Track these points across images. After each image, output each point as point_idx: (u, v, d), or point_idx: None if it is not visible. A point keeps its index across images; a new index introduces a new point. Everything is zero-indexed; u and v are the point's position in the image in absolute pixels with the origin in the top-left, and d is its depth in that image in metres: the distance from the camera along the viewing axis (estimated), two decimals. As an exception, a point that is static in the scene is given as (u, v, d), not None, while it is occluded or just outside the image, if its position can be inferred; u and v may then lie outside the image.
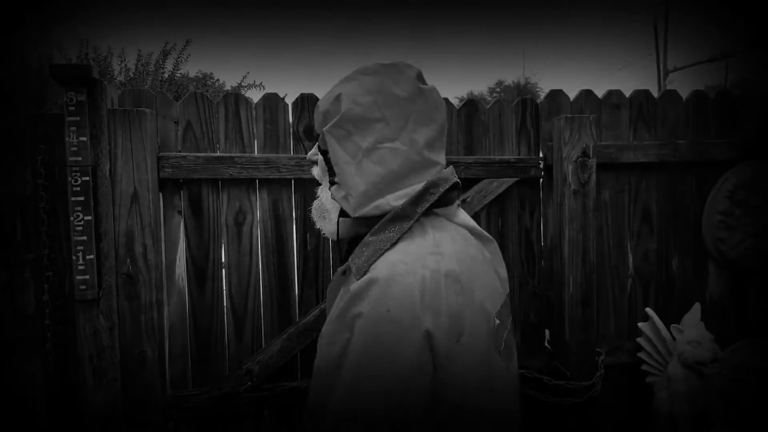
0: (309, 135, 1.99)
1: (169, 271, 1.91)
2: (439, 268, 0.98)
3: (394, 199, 1.06)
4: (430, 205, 1.07)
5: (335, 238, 1.16)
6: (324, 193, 1.18)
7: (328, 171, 1.13)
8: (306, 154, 1.94)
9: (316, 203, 1.22)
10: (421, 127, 1.08)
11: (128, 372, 1.80)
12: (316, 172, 1.22)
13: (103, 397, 1.76)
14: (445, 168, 1.15)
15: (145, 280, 1.80)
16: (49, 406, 1.79)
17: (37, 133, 1.76)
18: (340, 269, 1.14)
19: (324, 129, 1.07)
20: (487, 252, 1.15)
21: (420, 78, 1.12)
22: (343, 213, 1.13)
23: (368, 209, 1.07)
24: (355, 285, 0.98)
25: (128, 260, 1.78)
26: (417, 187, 1.08)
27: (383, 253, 1.01)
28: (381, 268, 0.98)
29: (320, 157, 1.16)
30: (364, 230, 1.11)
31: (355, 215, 1.08)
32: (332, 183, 1.12)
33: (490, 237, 1.19)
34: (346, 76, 1.11)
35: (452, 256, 1.02)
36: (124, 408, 1.79)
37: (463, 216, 1.16)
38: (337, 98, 1.07)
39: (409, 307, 0.93)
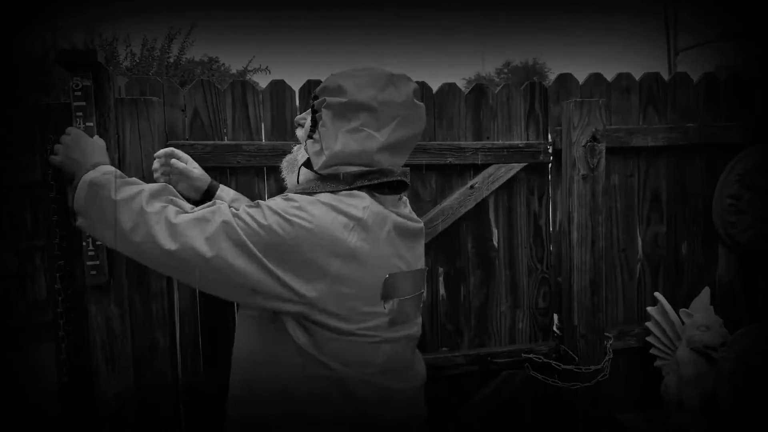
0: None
1: (179, 259, 1.92)
2: (350, 212, 1.23)
3: (351, 169, 1.30)
4: (370, 185, 1.29)
5: (291, 188, 1.38)
6: (299, 152, 1.41)
7: (311, 129, 1.33)
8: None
9: (289, 157, 1.45)
10: (401, 130, 1.31)
11: (140, 359, 1.82)
12: (299, 132, 1.42)
13: (116, 384, 1.78)
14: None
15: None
16: (62, 392, 1.81)
17: (46, 123, 1.75)
18: None
19: (328, 99, 1.29)
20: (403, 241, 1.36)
21: (416, 94, 1.36)
22: (306, 165, 1.35)
23: (330, 171, 1.30)
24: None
25: (138, 249, 1.79)
26: (370, 168, 1.32)
27: (309, 193, 1.27)
28: (294, 197, 1.25)
29: (308, 120, 1.37)
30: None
31: (319, 171, 1.30)
32: (309, 138, 1.34)
33: (418, 225, 1.44)
34: (361, 68, 1.34)
35: (371, 211, 1.26)
36: (137, 394, 1.81)
37: (402, 209, 1.40)
38: (347, 81, 1.29)
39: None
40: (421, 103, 1.38)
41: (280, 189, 1.97)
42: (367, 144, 1.28)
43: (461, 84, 2.30)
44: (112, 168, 1.41)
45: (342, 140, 1.27)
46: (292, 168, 1.42)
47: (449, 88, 2.10)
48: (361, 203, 1.26)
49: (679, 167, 2.29)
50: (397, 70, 1.35)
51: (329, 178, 1.30)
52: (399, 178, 1.35)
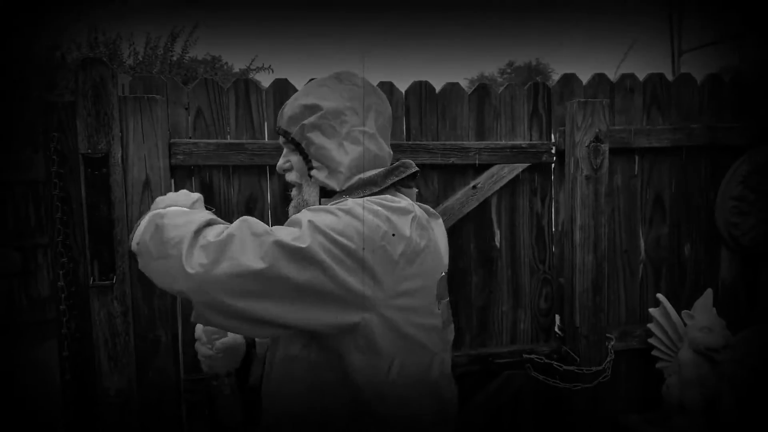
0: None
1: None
2: (406, 209, 1.14)
3: (372, 174, 1.25)
4: (397, 180, 1.25)
5: None
6: (306, 188, 1.31)
7: (306, 162, 1.27)
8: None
9: (294, 203, 1.34)
10: (379, 116, 1.29)
11: (142, 356, 1.83)
12: (291, 176, 1.33)
13: (118, 381, 1.79)
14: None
15: (158, 266, 1.81)
16: (64, 389, 1.81)
17: (50, 121, 1.76)
18: None
19: (306, 122, 1.23)
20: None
21: (365, 79, 1.34)
22: (324, 194, 1.28)
23: (353, 182, 1.24)
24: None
25: (141, 246, 1.79)
26: (386, 168, 1.28)
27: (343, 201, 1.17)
28: (343, 205, 1.12)
29: (295, 158, 1.30)
30: None
31: (343, 188, 1.24)
32: (311, 169, 1.27)
33: (437, 214, 1.34)
34: (306, 86, 1.32)
35: (417, 210, 1.18)
36: (139, 392, 1.82)
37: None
38: (309, 98, 1.26)
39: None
40: (376, 86, 1.36)
41: (282, 187, 1.97)
42: (369, 141, 1.26)
43: (464, 84, 2.29)
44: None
45: (346, 148, 1.23)
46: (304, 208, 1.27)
47: (452, 88, 2.10)
48: (404, 200, 1.20)
49: (682, 168, 2.28)
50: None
51: (359, 186, 1.23)
52: (416, 168, 1.30)
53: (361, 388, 1.11)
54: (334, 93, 1.26)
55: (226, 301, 1.01)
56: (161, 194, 1.79)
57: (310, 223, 1.05)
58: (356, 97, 1.26)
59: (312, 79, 1.37)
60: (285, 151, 1.34)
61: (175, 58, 8.67)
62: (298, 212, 1.22)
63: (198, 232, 1.07)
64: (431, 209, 1.32)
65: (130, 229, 1.79)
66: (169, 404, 1.86)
